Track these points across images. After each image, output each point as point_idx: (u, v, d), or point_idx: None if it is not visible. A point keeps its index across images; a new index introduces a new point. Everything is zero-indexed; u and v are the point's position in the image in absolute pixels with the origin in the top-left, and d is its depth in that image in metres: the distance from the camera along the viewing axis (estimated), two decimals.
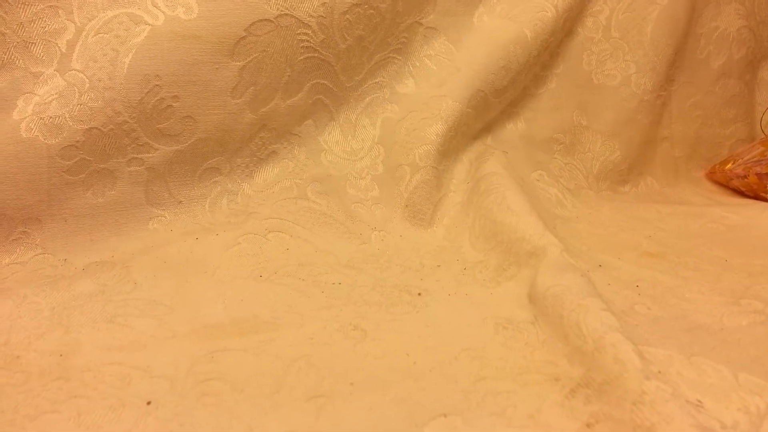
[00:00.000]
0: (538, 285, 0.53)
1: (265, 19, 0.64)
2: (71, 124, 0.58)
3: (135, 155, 0.62)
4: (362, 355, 0.47)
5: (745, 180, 0.91)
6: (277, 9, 0.65)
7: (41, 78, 0.59)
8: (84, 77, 0.59)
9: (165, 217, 0.65)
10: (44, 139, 0.58)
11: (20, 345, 0.46)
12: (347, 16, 0.69)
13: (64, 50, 0.60)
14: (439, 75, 0.79)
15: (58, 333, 0.48)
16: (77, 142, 0.59)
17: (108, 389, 0.42)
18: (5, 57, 0.59)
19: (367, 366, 0.45)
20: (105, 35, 0.60)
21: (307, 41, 0.68)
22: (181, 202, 0.66)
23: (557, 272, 0.54)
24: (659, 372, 0.42)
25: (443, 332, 0.51)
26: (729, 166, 0.94)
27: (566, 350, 0.46)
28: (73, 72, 0.59)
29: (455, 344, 0.48)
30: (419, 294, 0.58)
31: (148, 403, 0.40)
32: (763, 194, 0.89)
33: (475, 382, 0.43)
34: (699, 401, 0.40)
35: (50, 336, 0.48)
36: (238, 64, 0.65)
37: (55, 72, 0.59)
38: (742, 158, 0.93)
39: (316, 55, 0.70)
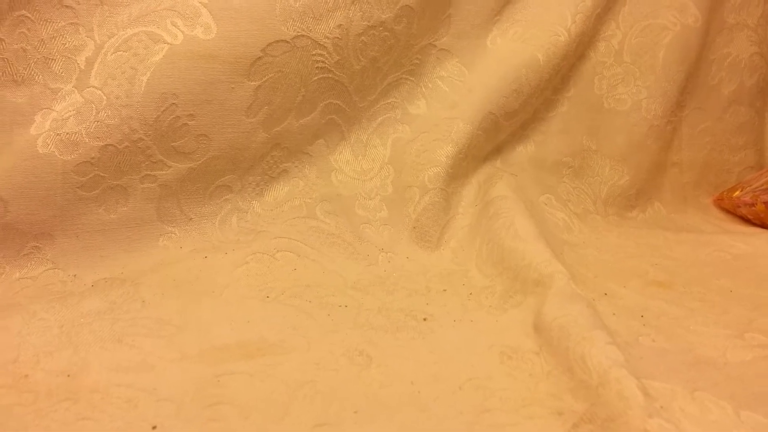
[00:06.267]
0: (544, 315, 0.53)
1: (282, 40, 0.65)
2: (87, 140, 0.59)
3: (148, 172, 0.63)
4: (367, 382, 0.47)
5: (753, 208, 0.91)
6: (294, 30, 0.65)
7: (59, 94, 0.60)
8: (102, 94, 0.60)
9: (175, 234, 0.66)
10: (60, 155, 0.58)
11: (29, 363, 0.47)
12: (362, 37, 0.70)
13: (83, 67, 0.60)
14: (451, 97, 0.80)
15: (67, 352, 0.48)
16: (92, 158, 0.60)
17: (115, 411, 0.42)
18: (25, 73, 0.60)
19: (372, 394, 0.46)
20: (124, 53, 0.60)
21: (322, 62, 0.69)
22: (191, 219, 0.67)
23: (564, 302, 0.54)
24: (662, 408, 0.42)
25: (448, 360, 0.51)
26: (737, 193, 0.94)
27: (570, 384, 0.46)
28: (91, 89, 0.60)
29: (460, 373, 0.49)
30: (425, 319, 0.58)
31: (154, 427, 0.41)
32: None
33: (480, 414, 0.44)
34: None
35: (59, 355, 0.48)
36: (254, 83, 0.65)
37: (74, 88, 0.60)
38: (750, 186, 0.93)
39: (330, 75, 0.70)
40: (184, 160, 0.65)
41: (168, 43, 0.61)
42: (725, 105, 0.99)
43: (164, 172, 0.64)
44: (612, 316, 0.59)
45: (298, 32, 0.66)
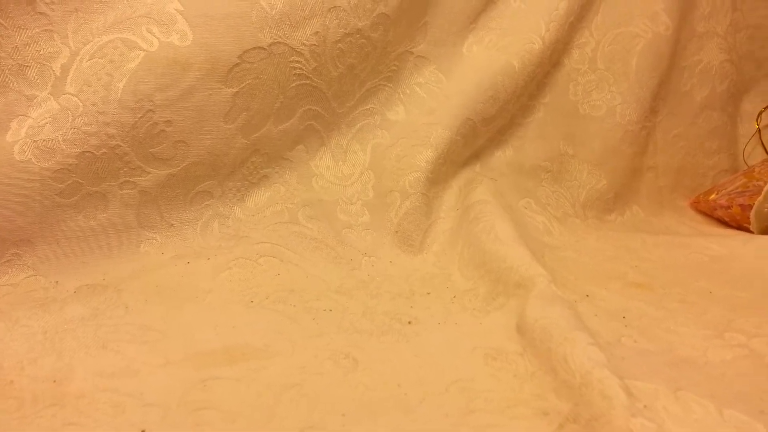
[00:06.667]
0: (526, 316, 0.54)
1: (259, 47, 0.65)
2: (64, 147, 0.58)
3: (127, 178, 0.62)
4: (353, 385, 0.47)
5: (729, 211, 0.92)
6: (271, 37, 0.66)
7: (35, 101, 0.59)
8: (78, 101, 0.59)
9: (156, 239, 0.65)
10: (37, 162, 0.58)
11: (13, 370, 0.46)
12: (339, 44, 0.70)
13: (58, 74, 0.60)
14: (429, 103, 0.80)
15: (51, 358, 0.48)
16: (70, 165, 0.59)
17: (102, 417, 0.41)
18: (0, 80, 0.59)
19: (358, 397, 0.45)
20: (99, 60, 0.60)
21: (300, 69, 0.69)
22: (172, 225, 0.66)
23: (545, 304, 0.54)
24: (645, 407, 0.42)
25: (433, 362, 0.51)
26: (713, 196, 0.96)
27: (554, 384, 0.46)
28: (67, 96, 0.59)
29: (445, 375, 0.49)
30: (409, 322, 0.58)
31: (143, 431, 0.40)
32: (746, 225, 0.91)
33: (465, 415, 0.44)
34: None
35: (43, 361, 0.47)
36: (232, 90, 0.65)
37: (49, 95, 0.59)
38: (725, 189, 0.95)
39: (308, 82, 0.70)
40: (163, 166, 0.64)
41: (144, 50, 0.61)
42: (698, 110, 1.01)
43: (143, 179, 0.63)
44: (594, 318, 0.59)
45: (275, 39, 0.66)
